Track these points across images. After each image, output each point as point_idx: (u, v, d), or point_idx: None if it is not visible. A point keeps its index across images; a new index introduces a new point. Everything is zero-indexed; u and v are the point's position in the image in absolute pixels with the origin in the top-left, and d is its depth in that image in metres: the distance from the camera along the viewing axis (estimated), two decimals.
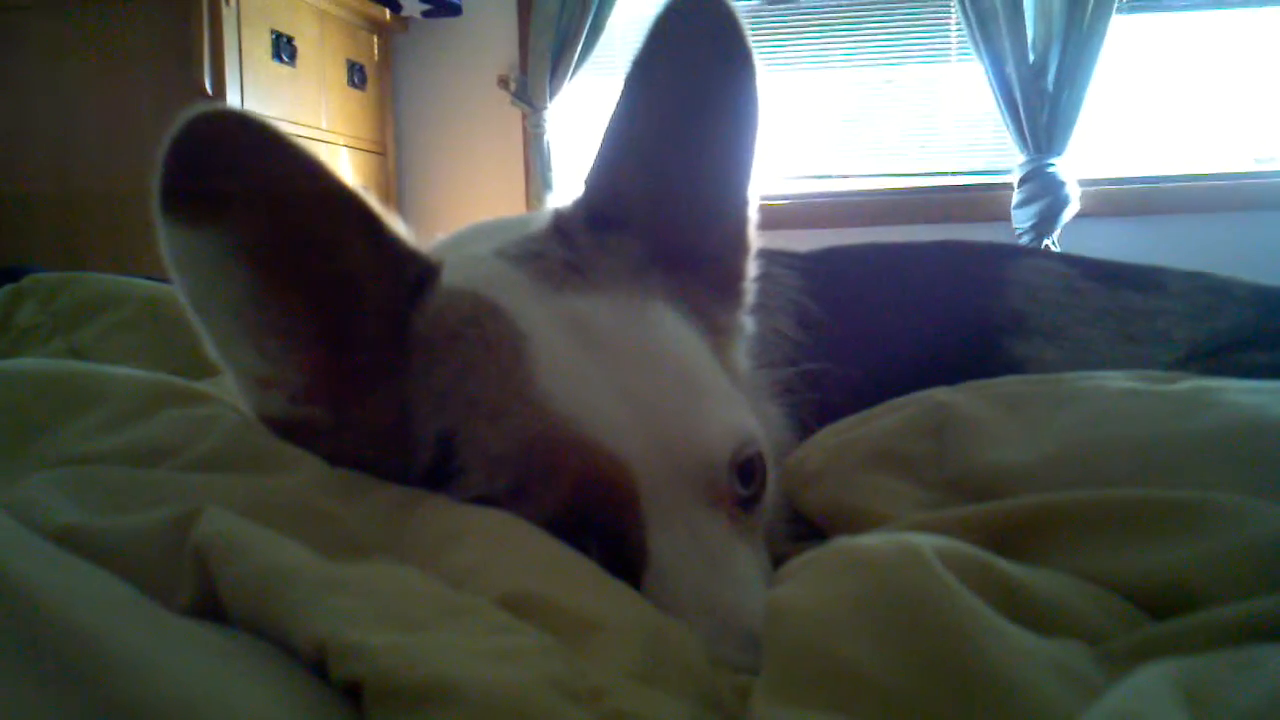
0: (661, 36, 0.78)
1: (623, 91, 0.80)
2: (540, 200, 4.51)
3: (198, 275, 0.70)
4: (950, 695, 0.42)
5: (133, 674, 0.42)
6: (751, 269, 0.87)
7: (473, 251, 0.83)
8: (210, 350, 0.73)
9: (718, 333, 0.81)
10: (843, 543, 0.52)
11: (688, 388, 0.72)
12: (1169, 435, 0.64)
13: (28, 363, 0.88)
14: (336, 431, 0.73)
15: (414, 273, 0.74)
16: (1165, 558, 0.52)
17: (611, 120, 0.80)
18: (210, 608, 0.52)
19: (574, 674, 0.47)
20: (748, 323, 0.88)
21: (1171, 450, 0.63)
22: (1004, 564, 0.51)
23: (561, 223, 0.82)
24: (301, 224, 0.70)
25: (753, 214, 0.86)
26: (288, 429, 0.74)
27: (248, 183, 0.68)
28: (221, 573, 0.52)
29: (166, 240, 0.68)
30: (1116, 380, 0.75)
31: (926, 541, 0.49)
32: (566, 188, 4.48)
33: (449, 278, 0.76)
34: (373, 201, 0.72)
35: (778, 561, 0.72)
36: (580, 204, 0.83)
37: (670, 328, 0.76)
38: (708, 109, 0.81)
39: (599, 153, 0.82)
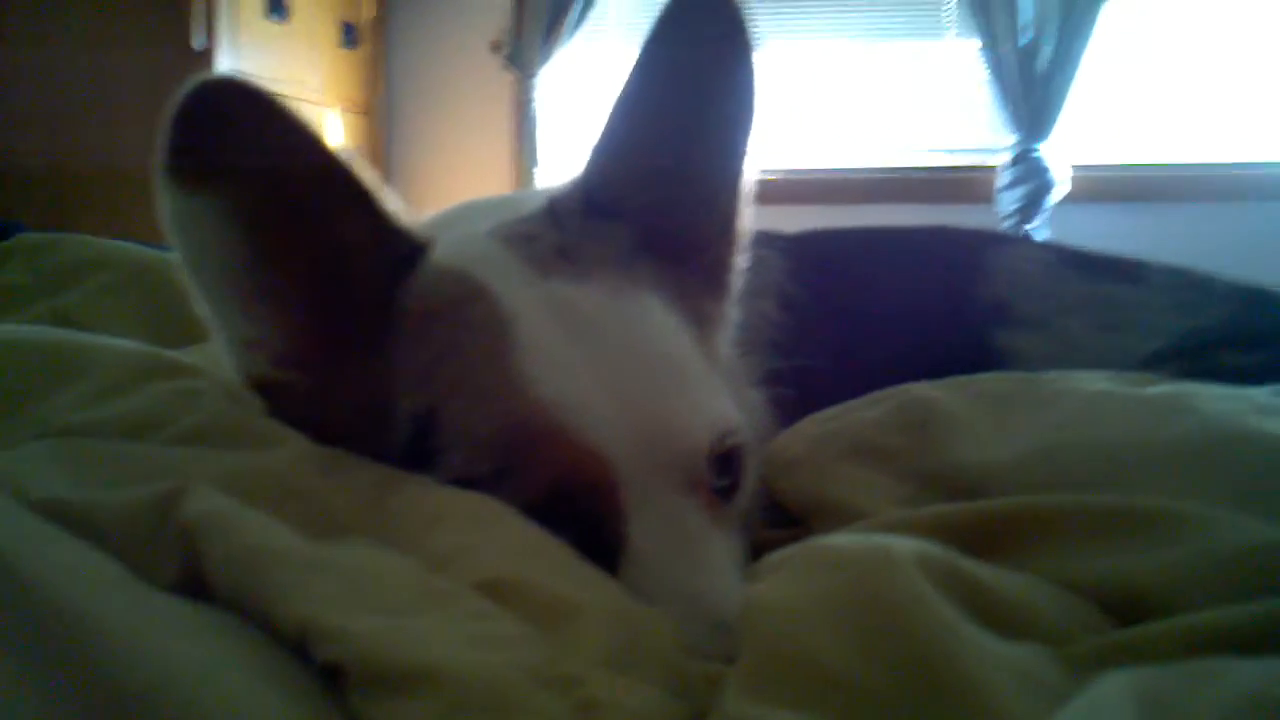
0: (670, 24, 0.79)
1: (628, 78, 0.80)
2: (527, 168, 4.49)
3: (193, 238, 0.71)
4: (917, 696, 0.44)
5: (117, 651, 0.43)
6: (741, 260, 0.87)
7: (465, 230, 0.84)
8: (200, 309, 0.74)
9: (703, 322, 0.81)
10: (818, 542, 0.53)
11: (670, 377, 0.73)
12: (1142, 442, 0.65)
13: (14, 330, 0.88)
14: (316, 398, 0.74)
15: (403, 248, 0.75)
16: (1128, 564, 0.53)
17: (614, 106, 0.81)
18: (195, 585, 0.53)
19: (549, 662, 0.48)
20: (734, 312, 0.88)
21: (1144, 456, 0.64)
22: (973, 567, 0.52)
23: (556, 206, 0.82)
24: (296, 194, 0.72)
25: (745, 205, 0.86)
26: (269, 391, 0.75)
27: (247, 152, 0.69)
28: (207, 551, 0.52)
29: (166, 203, 0.70)
30: (1095, 382, 0.76)
31: (898, 544, 0.50)
32: (554, 157, 4.47)
33: (439, 255, 0.76)
34: (367, 175, 0.73)
35: (756, 548, 0.73)
36: (578, 188, 0.83)
37: (656, 316, 0.76)
38: (708, 97, 0.81)
39: (600, 138, 0.82)
